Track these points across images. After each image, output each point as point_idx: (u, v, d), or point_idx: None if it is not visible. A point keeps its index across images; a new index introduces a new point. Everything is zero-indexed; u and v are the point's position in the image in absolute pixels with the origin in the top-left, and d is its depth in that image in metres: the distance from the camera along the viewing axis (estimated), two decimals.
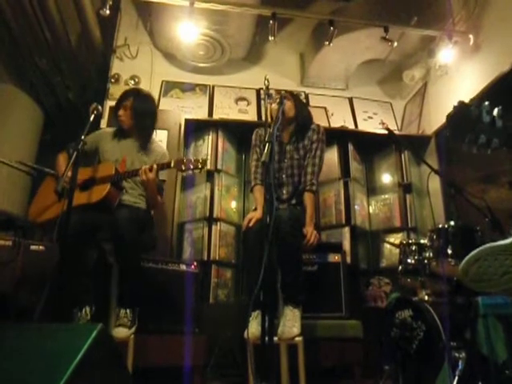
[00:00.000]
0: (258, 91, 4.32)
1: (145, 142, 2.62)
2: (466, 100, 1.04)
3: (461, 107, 1.02)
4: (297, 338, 2.03)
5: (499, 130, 0.99)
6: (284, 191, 2.50)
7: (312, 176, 2.45)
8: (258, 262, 2.06)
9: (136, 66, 4.17)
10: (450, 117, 1.03)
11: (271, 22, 3.47)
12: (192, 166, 2.32)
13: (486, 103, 1.01)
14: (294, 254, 2.19)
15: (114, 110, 2.65)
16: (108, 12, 3.30)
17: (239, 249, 3.58)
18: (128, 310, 2.12)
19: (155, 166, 2.35)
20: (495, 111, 1.01)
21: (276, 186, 2.45)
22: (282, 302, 2.14)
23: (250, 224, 2.25)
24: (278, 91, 2.49)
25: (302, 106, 2.64)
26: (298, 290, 2.15)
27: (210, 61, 4.24)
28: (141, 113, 2.57)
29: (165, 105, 3.98)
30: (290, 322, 2.01)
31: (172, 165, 2.37)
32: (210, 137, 3.76)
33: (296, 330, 2.00)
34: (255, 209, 2.45)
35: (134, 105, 2.56)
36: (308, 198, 2.42)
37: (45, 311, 1.81)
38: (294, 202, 2.48)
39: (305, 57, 4.66)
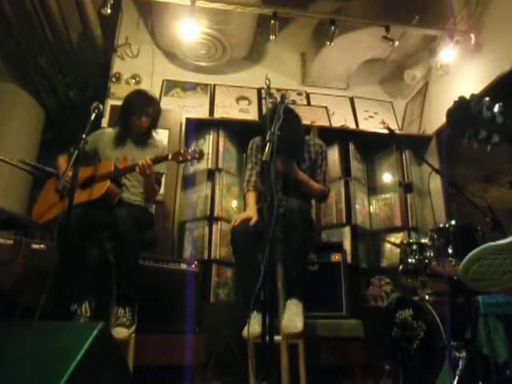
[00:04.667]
0: (259, 90, 4.32)
1: (145, 140, 2.65)
2: None
3: (461, 102, 1.02)
4: (298, 338, 2.03)
5: (500, 125, 0.99)
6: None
7: (323, 183, 2.54)
8: (246, 262, 2.15)
9: (137, 65, 4.17)
10: (450, 112, 1.03)
11: (272, 21, 3.48)
12: (189, 157, 2.33)
13: (487, 99, 1.01)
14: (303, 253, 2.21)
15: (128, 115, 2.57)
16: (109, 11, 3.30)
17: None
18: (127, 310, 2.12)
19: (149, 161, 2.33)
20: (496, 107, 1.01)
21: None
22: (284, 297, 2.14)
23: (235, 223, 2.25)
24: (280, 90, 2.48)
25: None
26: (303, 283, 2.16)
27: (211, 60, 4.24)
28: (159, 113, 2.70)
29: (166, 104, 3.98)
30: (294, 317, 2.01)
31: (170, 157, 2.38)
32: (211, 136, 3.76)
33: (300, 324, 2.00)
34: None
35: (155, 112, 2.64)
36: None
37: (45, 309, 1.82)
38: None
39: (306, 56, 4.66)
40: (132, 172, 2.45)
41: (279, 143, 2.15)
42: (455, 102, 1.03)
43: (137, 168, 2.34)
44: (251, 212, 2.32)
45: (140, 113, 2.55)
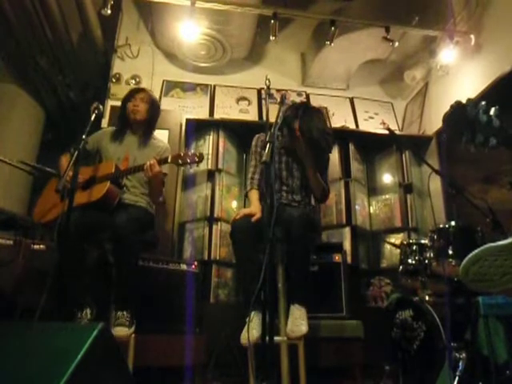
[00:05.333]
0: (259, 91, 4.32)
1: (146, 138, 2.64)
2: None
3: (457, 107, 1.03)
4: (298, 339, 2.03)
5: (496, 129, 1.00)
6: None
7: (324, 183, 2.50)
8: (246, 257, 2.12)
9: (137, 66, 4.17)
10: (446, 116, 1.04)
11: (272, 21, 3.48)
12: (189, 160, 2.32)
13: (483, 103, 1.02)
14: (305, 254, 2.19)
15: (124, 107, 2.62)
16: (109, 11, 3.30)
17: None
18: (126, 311, 2.10)
19: (154, 161, 2.33)
20: (492, 111, 1.01)
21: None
22: (285, 301, 2.13)
23: (237, 217, 2.23)
24: (280, 91, 2.48)
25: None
26: (306, 289, 2.15)
27: (211, 60, 4.24)
28: (156, 107, 2.71)
29: (166, 104, 3.98)
30: (299, 321, 2.01)
31: (169, 159, 2.37)
32: (211, 137, 3.76)
33: (304, 327, 2.00)
34: None
35: (152, 98, 2.67)
36: None
37: (46, 311, 1.82)
38: (302, 201, 2.47)
39: (306, 57, 4.66)
40: (135, 173, 2.45)
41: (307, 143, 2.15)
42: (451, 106, 1.03)
43: (145, 168, 2.33)
44: (254, 208, 2.29)
45: (132, 97, 2.60)
